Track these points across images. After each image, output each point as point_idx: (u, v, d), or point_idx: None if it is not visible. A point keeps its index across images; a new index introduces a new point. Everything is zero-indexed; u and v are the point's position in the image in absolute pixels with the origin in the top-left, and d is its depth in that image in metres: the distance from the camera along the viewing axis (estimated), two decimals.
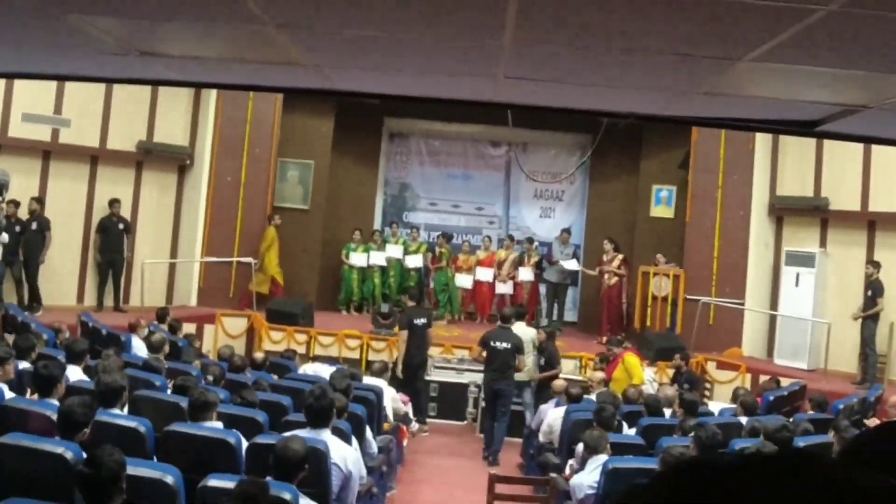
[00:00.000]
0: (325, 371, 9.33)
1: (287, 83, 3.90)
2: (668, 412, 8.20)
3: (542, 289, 15.60)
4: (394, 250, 15.46)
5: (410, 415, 10.17)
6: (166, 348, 9.09)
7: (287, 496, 4.31)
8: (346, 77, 3.48)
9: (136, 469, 4.22)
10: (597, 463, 6.06)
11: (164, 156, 14.24)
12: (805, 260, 12.99)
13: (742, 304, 13.48)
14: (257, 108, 14.41)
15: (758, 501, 0.65)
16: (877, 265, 11.92)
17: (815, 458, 0.70)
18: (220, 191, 14.34)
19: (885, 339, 12.02)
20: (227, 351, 9.97)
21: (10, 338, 8.36)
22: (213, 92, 14.16)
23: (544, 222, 17.08)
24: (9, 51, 3.27)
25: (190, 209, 14.48)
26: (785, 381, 11.00)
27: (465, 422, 11.84)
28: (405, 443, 9.68)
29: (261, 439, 5.39)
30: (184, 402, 5.94)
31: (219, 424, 5.65)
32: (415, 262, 15.41)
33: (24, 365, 7.05)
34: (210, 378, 7.79)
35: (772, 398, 9.62)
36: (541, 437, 8.73)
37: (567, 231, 15.73)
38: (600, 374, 9.98)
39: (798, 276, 13.00)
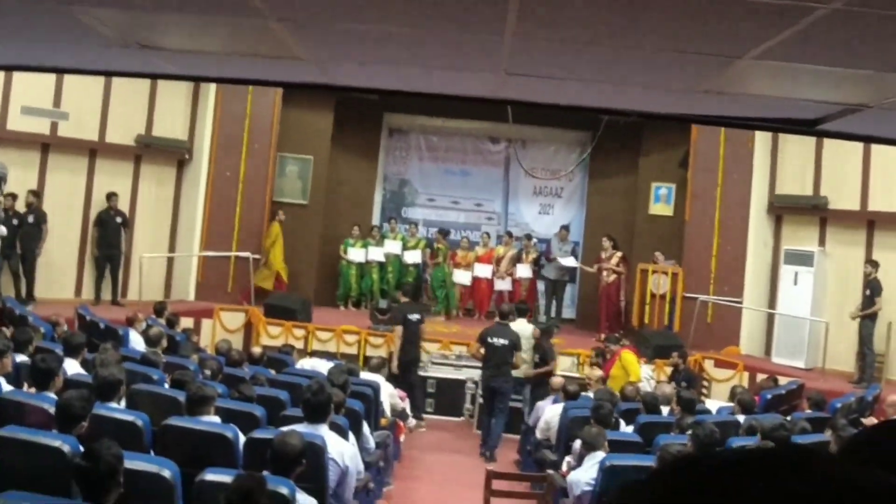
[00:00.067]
0: (322, 366, 9.34)
1: (287, 77, 3.89)
2: (665, 410, 8.21)
3: (541, 286, 15.60)
4: (392, 246, 15.45)
5: (408, 410, 10.17)
6: (164, 342, 9.08)
7: (284, 491, 4.31)
8: (347, 72, 3.48)
9: (134, 463, 4.22)
10: (594, 460, 6.07)
11: (162, 150, 14.22)
12: (804, 259, 12.99)
13: (740, 303, 13.48)
14: (256, 103, 14.39)
15: (755, 498, 0.64)
16: (875, 265, 11.93)
17: (814, 455, 0.69)
18: (219, 185, 14.32)
19: (883, 339, 12.03)
20: (224, 345, 9.97)
21: (7, 331, 8.35)
22: (213, 86, 14.13)
23: (543, 219, 17.07)
24: (8, 43, 3.26)
25: (188, 203, 14.47)
26: (783, 380, 11.00)
27: (463, 418, 11.84)
28: (402, 438, 9.67)
29: (258, 434, 5.39)
30: (181, 397, 5.95)
31: (216, 419, 5.65)
32: (413, 257, 15.41)
33: (21, 358, 7.04)
34: (208, 372, 7.79)
35: (769, 397, 9.62)
36: (538, 434, 8.73)
37: (566, 228, 15.73)
38: (598, 372, 9.99)
39: (797, 274, 13.00)
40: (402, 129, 17.29)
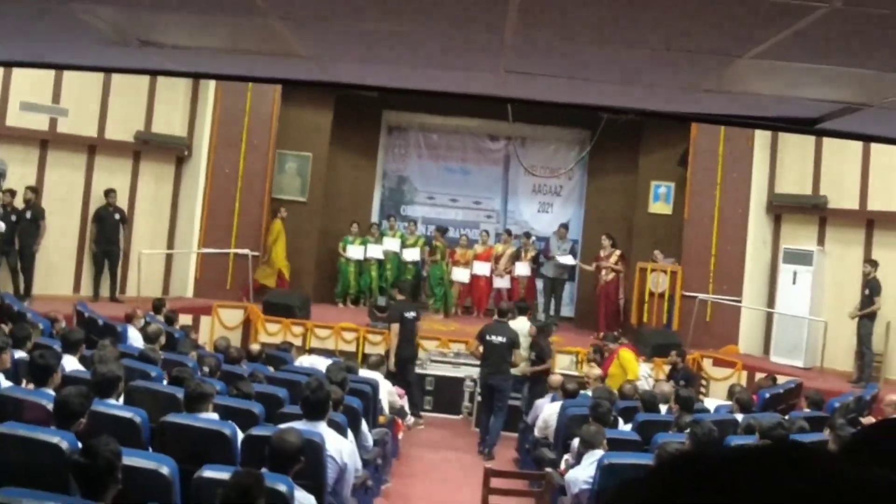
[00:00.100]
0: (321, 363, 9.33)
1: (287, 75, 3.89)
2: (663, 408, 8.21)
3: (540, 284, 15.59)
4: (391, 243, 15.45)
5: (406, 408, 10.17)
6: (162, 339, 9.07)
7: (282, 488, 4.31)
8: (346, 69, 3.47)
9: (132, 459, 4.22)
10: (593, 458, 6.07)
11: (161, 146, 14.21)
12: (803, 258, 12.99)
13: (739, 302, 13.48)
14: (256, 100, 14.38)
15: (754, 496, 0.63)
16: (874, 264, 11.93)
17: (814, 452, 0.68)
18: (218, 182, 14.31)
19: (882, 338, 12.03)
20: (223, 342, 9.97)
21: (5, 327, 8.34)
22: (212, 83, 14.12)
23: (542, 217, 17.06)
24: (8, 39, 3.25)
25: (187, 200, 14.45)
26: (781, 379, 11.00)
27: (461, 416, 11.85)
28: (400, 436, 9.68)
29: (256, 431, 5.39)
30: (180, 393, 5.94)
31: (214, 416, 5.64)
32: (412, 255, 15.40)
33: (19, 354, 7.04)
34: (206, 369, 7.79)
35: (768, 396, 9.63)
36: (536, 433, 8.73)
37: (565, 226, 15.72)
38: (597, 371, 9.99)
39: (795, 274, 13.00)
40: (402, 127, 17.27)
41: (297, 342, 12.50)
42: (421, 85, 3.81)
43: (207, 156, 14.31)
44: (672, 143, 14.87)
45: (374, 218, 16.71)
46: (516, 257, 15.27)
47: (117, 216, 13.36)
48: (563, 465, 7.08)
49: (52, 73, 12.24)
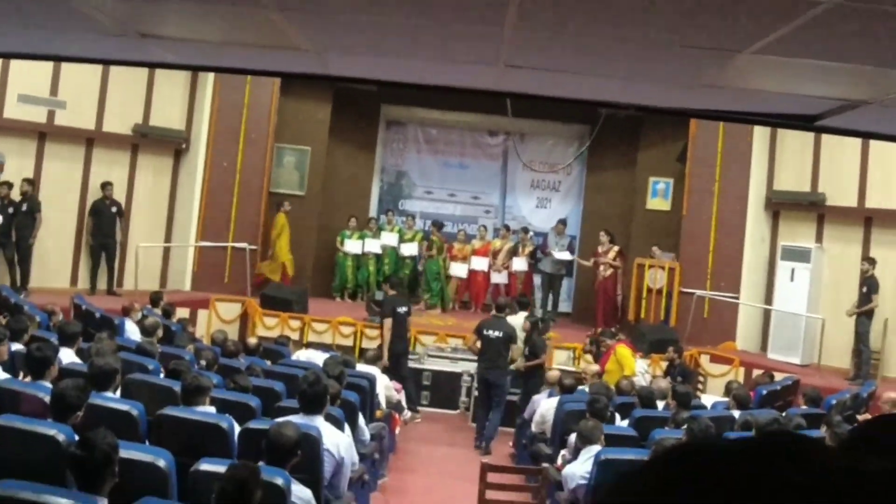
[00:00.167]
0: (318, 358, 9.32)
1: (286, 68, 3.88)
2: (661, 404, 8.21)
3: (538, 279, 15.59)
4: (389, 238, 15.45)
5: (403, 403, 10.17)
6: (160, 332, 9.07)
7: (279, 481, 4.31)
8: (346, 62, 3.46)
9: (129, 452, 4.22)
10: (590, 453, 6.08)
11: (160, 139, 14.18)
12: (801, 255, 13.00)
13: (737, 298, 13.49)
14: (254, 94, 14.36)
15: (752, 489, 0.62)
16: (872, 261, 11.93)
17: (812, 444, 0.67)
18: (216, 175, 14.29)
19: (879, 336, 12.04)
20: (220, 336, 9.97)
21: (2, 319, 8.34)
22: (211, 76, 14.10)
23: (540, 212, 17.05)
24: (6, 30, 3.24)
25: (185, 193, 14.44)
26: (778, 376, 11.02)
27: (458, 411, 11.85)
28: (397, 430, 9.68)
29: (253, 424, 5.39)
30: (177, 387, 5.94)
31: (211, 409, 5.65)
32: (410, 250, 15.41)
33: (16, 347, 7.03)
34: (203, 363, 7.79)
35: (765, 392, 9.64)
36: (533, 428, 8.74)
37: (563, 222, 15.72)
38: (595, 367, 10.00)
39: (793, 271, 13.01)
40: (400, 121, 17.25)
41: (295, 336, 12.49)
42: (420, 79, 3.80)
43: (206, 149, 14.29)
44: (671, 140, 14.87)
45: (373, 212, 16.69)
46: (514, 252, 15.28)
47: (114, 209, 13.35)
48: (559, 461, 7.09)
49: (50, 65, 12.22)
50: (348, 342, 12.74)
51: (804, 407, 8.95)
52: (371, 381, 8.37)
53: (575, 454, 6.46)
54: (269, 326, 12.85)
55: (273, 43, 3.00)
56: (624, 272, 14.52)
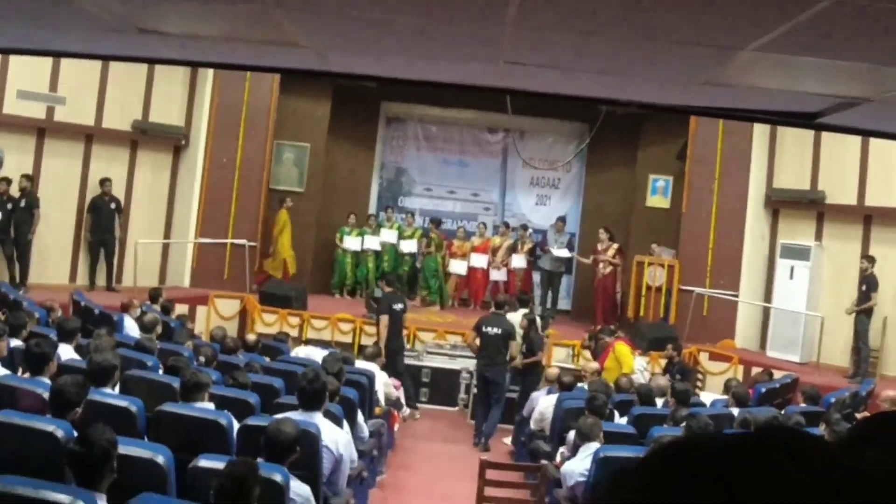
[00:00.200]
0: (317, 354, 9.33)
1: (286, 64, 3.87)
2: (660, 402, 8.22)
3: (537, 277, 15.59)
4: (388, 235, 15.45)
5: (402, 400, 10.18)
6: (158, 329, 9.08)
7: (278, 478, 4.31)
8: (345, 59, 3.46)
9: (128, 448, 4.22)
10: (589, 451, 6.08)
11: (159, 136, 14.17)
12: (800, 253, 13.00)
13: (736, 296, 13.49)
14: (254, 90, 14.34)
15: (750, 485, 0.61)
16: (871, 260, 11.93)
17: (812, 440, 0.66)
18: (215, 172, 14.28)
19: (878, 334, 12.05)
20: (219, 332, 9.97)
21: (1, 315, 8.33)
22: (210, 72, 14.08)
23: (540, 210, 17.05)
24: (4, 26, 3.23)
25: (184, 190, 14.43)
26: (777, 374, 11.03)
27: (457, 408, 11.86)
28: (396, 427, 9.69)
29: (252, 421, 5.39)
30: (175, 383, 5.95)
31: (210, 405, 5.65)
32: (409, 247, 15.41)
33: (15, 343, 7.03)
34: (202, 359, 7.78)
35: (764, 390, 9.65)
36: (532, 425, 8.74)
37: (562, 219, 15.72)
38: (594, 365, 10.00)
39: (793, 268, 13.01)
40: (400, 118, 17.24)
41: (294, 333, 12.51)
42: (420, 75, 3.79)
43: (205, 145, 14.28)
44: (671, 137, 14.86)
45: (372, 209, 16.69)
46: (513, 250, 15.27)
47: (113, 205, 13.34)
48: (558, 458, 7.09)
49: (49, 60, 12.21)
50: (347, 339, 12.74)
51: (803, 405, 8.96)
52: (370, 377, 8.37)
53: (574, 451, 6.46)
54: (268, 323, 12.86)
55: (273, 39, 2.99)
56: (623, 270, 14.52)
